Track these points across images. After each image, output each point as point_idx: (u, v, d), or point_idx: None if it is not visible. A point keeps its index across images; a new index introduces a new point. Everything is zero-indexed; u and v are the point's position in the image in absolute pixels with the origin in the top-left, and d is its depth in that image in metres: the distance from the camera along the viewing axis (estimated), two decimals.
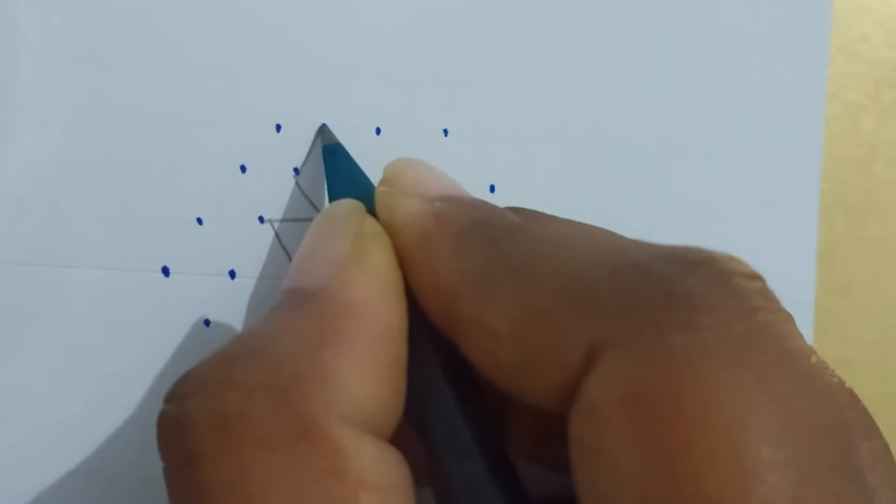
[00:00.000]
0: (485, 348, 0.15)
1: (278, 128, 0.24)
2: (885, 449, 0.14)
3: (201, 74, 0.24)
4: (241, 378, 0.15)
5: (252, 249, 0.24)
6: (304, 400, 0.15)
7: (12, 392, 0.23)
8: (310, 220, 0.24)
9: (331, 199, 0.21)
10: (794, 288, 0.26)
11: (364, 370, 0.15)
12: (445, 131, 0.25)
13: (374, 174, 0.24)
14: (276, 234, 0.24)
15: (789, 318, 0.14)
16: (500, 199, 0.25)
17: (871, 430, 0.14)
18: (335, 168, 0.22)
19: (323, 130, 0.24)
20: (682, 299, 0.13)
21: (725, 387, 0.12)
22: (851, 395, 0.14)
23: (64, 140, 0.23)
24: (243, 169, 0.24)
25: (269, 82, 0.24)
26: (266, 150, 0.24)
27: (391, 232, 0.17)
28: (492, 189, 0.25)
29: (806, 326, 0.26)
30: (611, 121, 0.25)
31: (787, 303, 0.26)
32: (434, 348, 0.17)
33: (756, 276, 0.14)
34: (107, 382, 0.23)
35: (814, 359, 0.14)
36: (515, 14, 0.25)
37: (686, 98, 0.26)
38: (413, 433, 0.16)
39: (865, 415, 0.14)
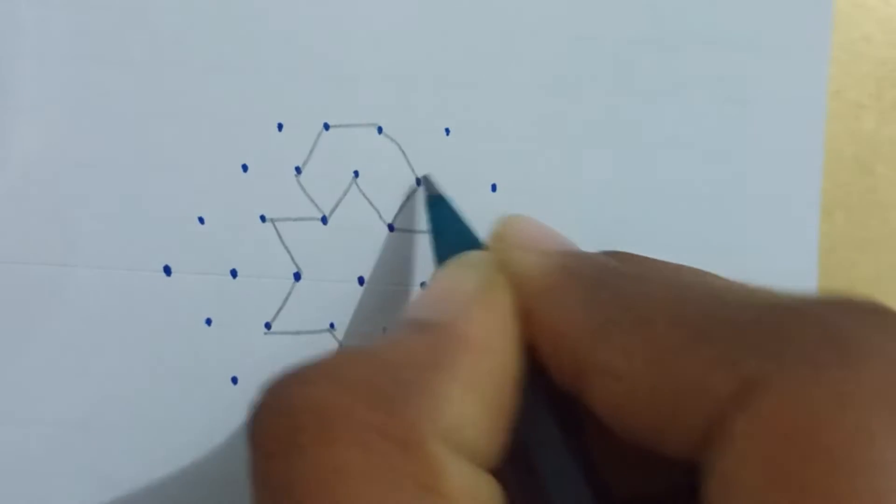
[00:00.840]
0: (614, 397, 0.15)
1: (280, 127, 0.24)
2: None
3: (202, 74, 0.24)
4: (350, 375, 0.15)
5: (253, 249, 0.24)
6: (409, 410, 0.14)
7: (12, 392, 0.23)
8: (312, 219, 0.24)
9: (437, 249, 0.21)
10: (795, 288, 0.26)
11: (472, 398, 0.15)
12: (447, 130, 0.25)
13: (378, 174, 0.24)
14: (278, 233, 0.24)
15: None
16: (501, 199, 0.25)
17: None
18: (441, 219, 0.22)
19: (426, 180, 0.24)
20: (843, 340, 0.13)
21: (882, 434, 0.12)
22: None
23: (64, 140, 0.23)
24: (245, 168, 0.24)
25: (270, 82, 0.24)
26: (267, 149, 0.24)
27: (512, 284, 0.18)
28: (493, 188, 0.25)
29: None
30: (611, 121, 0.25)
31: None
32: (547, 398, 0.17)
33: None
34: (107, 382, 0.23)
35: None
36: (515, 14, 0.25)
37: (687, 98, 0.26)
38: (512, 478, 0.17)
39: None
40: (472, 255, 0.19)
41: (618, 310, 0.16)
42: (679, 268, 0.18)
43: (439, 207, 0.22)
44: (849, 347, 0.13)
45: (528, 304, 0.17)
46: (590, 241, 0.25)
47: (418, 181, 0.24)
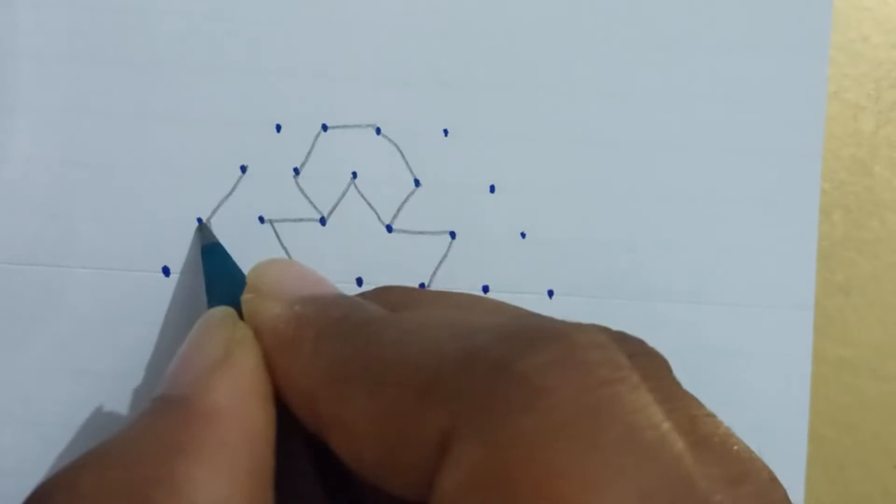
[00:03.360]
0: (347, 447, 0.16)
1: (278, 128, 0.24)
2: None
3: (201, 75, 0.24)
4: (89, 486, 0.15)
5: (252, 250, 0.24)
6: None
7: (12, 392, 0.23)
8: (310, 220, 0.24)
9: (209, 299, 0.21)
10: (794, 288, 0.26)
11: (219, 476, 0.15)
12: (445, 131, 0.25)
13: (371, 176, 0.24)
14: (276, 234, 0.24)
15: (637, 385, 0.14)
16: (499, 200, 0.25)
17: (728, 485, 0.13)
18: (213, 268, 0.22)
19: (202, 229, 0.23)
20: (523, 380, 0.13)
21: (571, 468, 0.12)
22: (695, 458, 0.13)
23: (64, 140, 0.23)
24: (243, 169, 0.24)
25: (269, 82, 0.24)
26: (266, 150, 0.24)
27: (258, 336, 0.18)
28: (492, 189, 0.25)
29: (806, 326, 0.26)
30: (611, 121, 0.25)
31: (787, 303, 0.26)
32: (306, 448, 0.17)
33: (602, 345, 0.14)
34: (107, 382, 0.23)
35: (664, 426, 0.13)
36: (515, 14, 0.25)
37: (686, 98, 0.26)
38: None
39: (719, 478, 0.13)
40: (216, 313, 0.19)
41: (347, 363, 0.16)
42: (440, 305, 0.19)
43: (213, 255, 0.22)
44: (530, 389, 0.13)
45: (269, 358, 0.17)
46: (590, 241, 0.25)
47: (199, 226, 0.24)
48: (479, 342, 0.14)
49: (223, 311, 0.19)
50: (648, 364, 0.14)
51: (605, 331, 0.15)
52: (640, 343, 0.15)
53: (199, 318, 0.19)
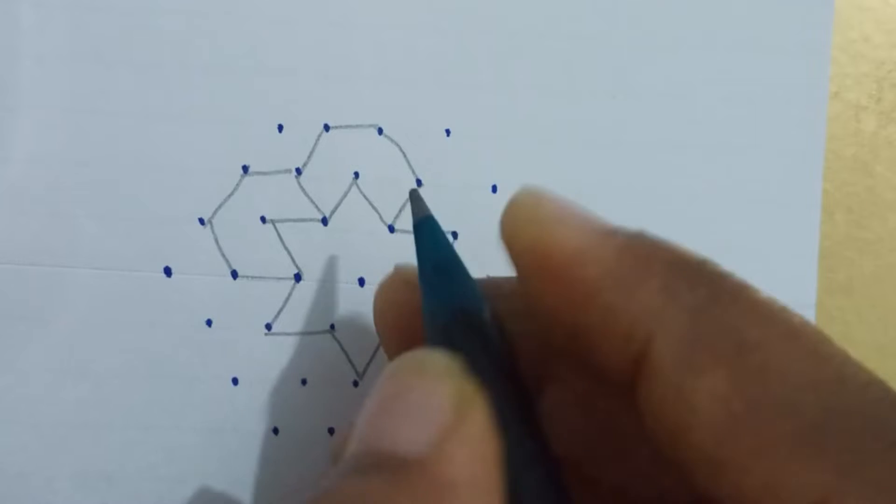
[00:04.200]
0: (677, 425, 0.14)
1: (280, 128, 0.24)
2: None
3: (202, 74, 0.24)
4: None
5: (254, 249, 0.24)
6: None
7: (12, 392, 0.23)
8: (312, 220, 0.24)
9: (421, 279, 0.18)
10: (796, 288, 0.26)
11: None
12: (447, 131, 0.25)
13: (378, 175, 0.24)
14: (279, 234, 0.24)
15: None
16: (501, 200, 0.25)
17: None
18: (426, 243, 0.19)
19: (413, 197, 0.20)
20: None
21: None
22: None
23: (64, 140, 0.23)
24: (245, 169, 0.24)
25: (270, 82, 0.24)
26: (268, 150, 0.24)
27: (551, 263, 0.15)
28: (494, 189, 0.25)
29: None
30: (612, 121, 0.25)
31: (788, 302, 0.26)
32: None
33: None
34: (107, 382, 0.23)
35: None
36: (516, 14, 0.25)
37: (687, 98, 0.26)
38: None
39: None
40: (438, 360, 0.15)
41: (714, 325, 0.14)
42: (791, 313, 0.15)
43: (426, 229, 0.19)
44: None
45: (580, 290, 0.15)
46: None
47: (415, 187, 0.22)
48: (881, 407, 0.13)
49: (446, 361, 0.15)
50: None
51: None
52: None
53: (409, 354, 0.16)
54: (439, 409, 0.14)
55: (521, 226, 0.16)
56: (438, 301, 0.17)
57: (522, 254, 0.16)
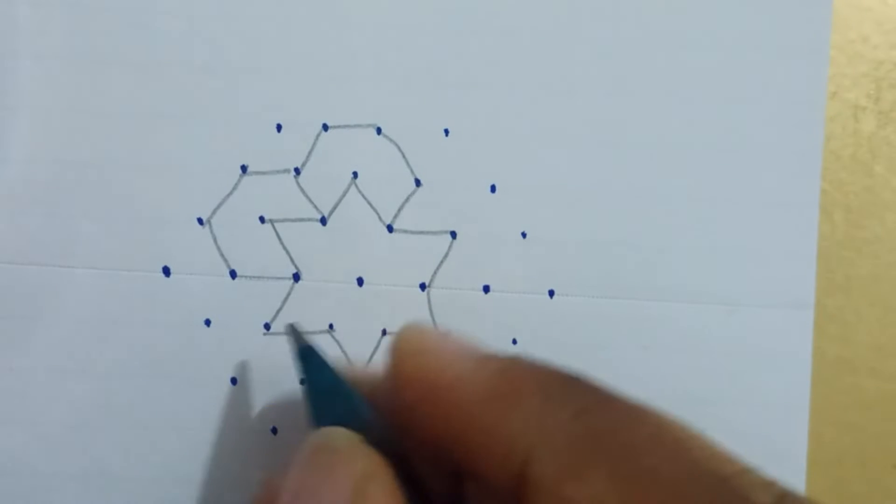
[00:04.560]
0: None
1: (279, 127, 0.24)
2: None
3: (201, 74, 0.24)
4: None
5: (253, 249, 0.24)
6: None
7: (12, 392, 0.23)
8: (311, 220, 0.24)
9: (314, 409, 0.20)
10: (794, 288, 0.26)
11: None
12: (446, 131, 0.25)
13: (372, 176, 0.24)
14: (277, 234, 0.24)
15: None
16: (500, 200, 0.25)
17: None
18: (315, 375, 0.20)
19: (293, 331, 0.22)
20: None
21: None
22: None
23: (62, 140, 0.23)
24: (244, 169, 0.24)
25: (269, 82, 0.24)
26: (266, 149, 0.24)
27: (431, 392, 0.16)
28: (493, 189, 0.25)
29: (806, 326, 0.26)
30: (611, 121, 0.25)
31: (787, 302, 0.26)
32: None
33: None
34: (107, 382, 0.23)
35: None
36: (516, 14, 0.25)
37: (686, 98, 0.26)
38: None
39: None
40: (338, 440, 0.17)
41: (588, 438, 0.15)
42: (650, 412, 0.17)
43: (310, 358, 0.21)
44: None
45: (460, 413, 0.16)
46: (590, 241, 0.25)
47: (288, 329, 0.22)
48: (733, 482, 0.14)
49: (347, 438, 0.17)
50: None
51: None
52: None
53: (310, 436, 0.17)
54: (340, 490, 0.16)
55: (405, 359, 0.17)
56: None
57: (407, 385, 0.17)
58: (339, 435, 0.17)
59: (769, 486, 0.14)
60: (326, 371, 0.20)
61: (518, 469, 0.15)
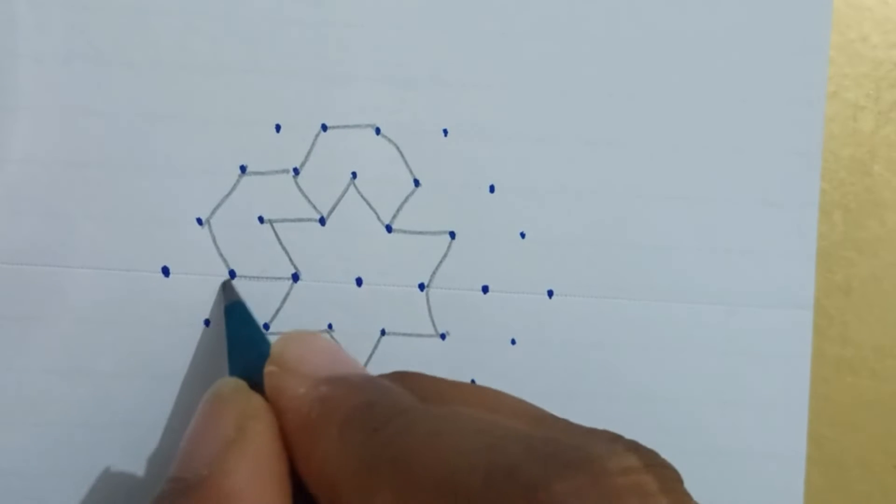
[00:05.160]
0: None
1: (278, 128, 0.24)
2: None
3: (200, 75, 0.24)
4: None
5: (252, 250, 0.24)
6: None
7: (12, 392, 0.23)
8: (310, 220, 0.24)
9: (230, 362, 0.21)
10: (794, 288, 0.26)
11: None
12: (445, 131, 0.25)
13: (371, 176, 0.24)
14: (276, 234, 0.24)
15: None
16: (499, 200, 0.25)
17: None
18: (236, 329, 0.22)
19: (226, 287, 0.23)
20: None
21: None
22: None
23: (61, 140, 0.23)
24: (243, 169, 0.24)
25: (269, 82, 0.24)
26: (265, 150, 0.24)
27: (279, 413, 0.17)
28: (492, 189, 0.25)
29: (806, 326, 0.26)
30: (611, 121, 0.25)
31: (787, 303, 0.26)
32: None
33: (631, 470, 0.14)
34: (107, 382, 0.23)
35: None
36: (515, 14, 0.25)
37: (686, 98, 0.26)
38: None
39: None
40: (227, 385, 0.18)
41: (374, 455, 0.15)
42: (461, 394, 0.18)
43: (236, 315, 0.22)
44: None
45: (290, 438, 0.17)
46: (590, 241, 0.25)
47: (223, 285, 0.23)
48: (511, 457, 0.14)
49: (234, 384, 0.18)
50: (664, 477, 0.14)
51: (634, 450, 0.15)
52: (653, 454, 0.15)
53: (210, 386, 0.19)
54: (223, 429, 0.17)
55: (267, 370, 0.18)
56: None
57: (269, 396, 0.18)
58: (227, 382, 0.18)
59: (549, 457, 0.14)
60: (248, 326, 0.21)
61: (332, 496, 0.16)
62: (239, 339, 0.21)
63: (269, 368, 0.18)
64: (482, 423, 0.16)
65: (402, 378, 0.19)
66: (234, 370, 0.20)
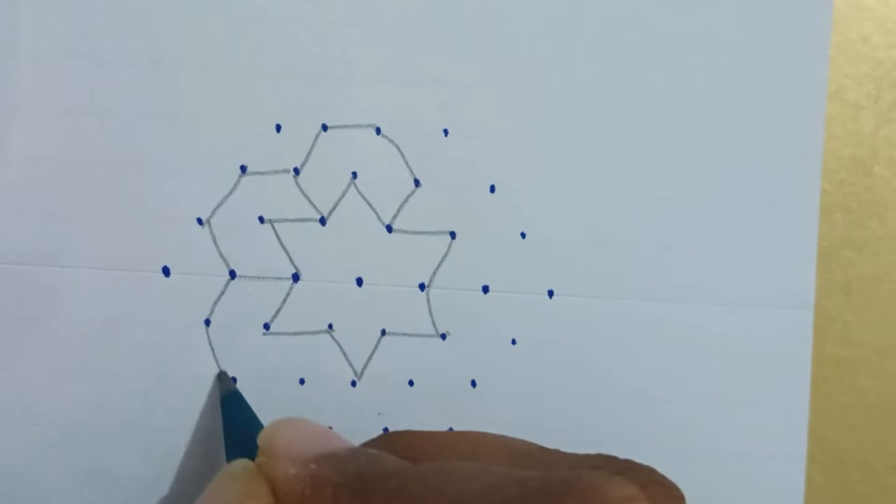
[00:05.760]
0: None
1: (278, 128, 0.24)
2: None
3: (200, 75, 0.24)
4: None
5: (252, 250, 0.24)
6: None
7: (12, 392, 0.23)
8: (310, 220, 0.24)
9: (227, 451, 0.22)
10: (794, 288, 0.26)
11: None
12: (445, 131, 0.25)
13: (371, 176, 0.24)
14: (276, 234, 0.24)
15: None
16: (500, 199, 0.25)
17: None
18: (232, 419, 0.22)
19: (221, 378, 0.24)
20: None
21: None
22: None
23: (61, 140, 0.23)
24: (243, 169, 0.24)
25: (269, 82, 0.24)
26: (266, 150, 0.24)
27: (277, 499, 0.18)
28: (492, 189, 0.25)
29: (805, 326, 0.26)
30: (611, 121, 0.25)
31: (787, 303, 0.26)
32: None
33: (632, 498, 0.14)
34: (107, 382, 0.23)
35: None
36: (515, 14, 0.25)
37: (686, 98, 0.26)
38: None
39: None
40: (237, 465, 0.19)
41: None
42: (450, 445, 0.19)
43: (232, 406, 0.23)
44: None
45: None
46: (590, 241, 0.25)
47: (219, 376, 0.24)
48: (507, 499, 0.15)
49: (243, 465, 0.19)
50: (664, 496, 0.15)
51: (630, 470, 0.15)
52: (650, 472, 0.15)
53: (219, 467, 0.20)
54: (225, 501, 0.18)
55: (258, 462, 0.19)
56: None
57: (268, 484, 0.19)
58: (238, 462, 0.19)
59: None
60: (244, 417, 0.22)
61: None
62: (235, 429, 0.22)
63: (259, 459, 0.19)
64: (472, 471, 0.16)
65: (391, 438, 0.20)
66: (232, 459, 0.21)
